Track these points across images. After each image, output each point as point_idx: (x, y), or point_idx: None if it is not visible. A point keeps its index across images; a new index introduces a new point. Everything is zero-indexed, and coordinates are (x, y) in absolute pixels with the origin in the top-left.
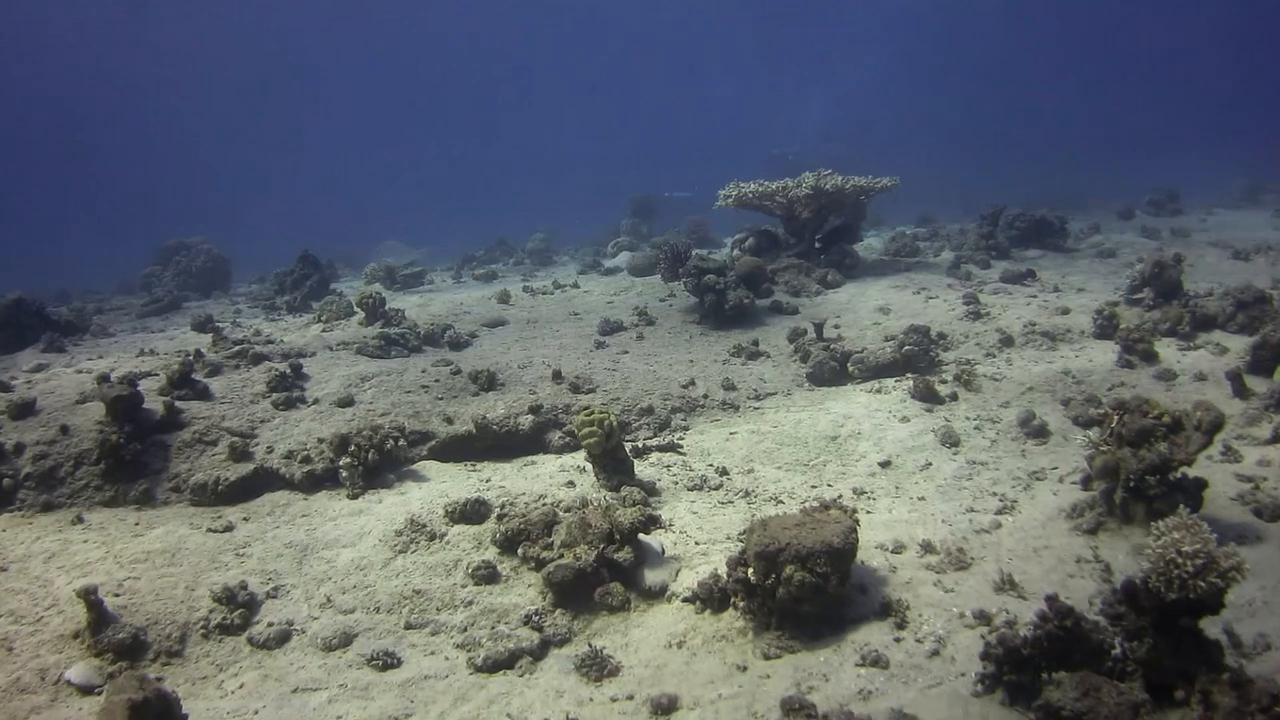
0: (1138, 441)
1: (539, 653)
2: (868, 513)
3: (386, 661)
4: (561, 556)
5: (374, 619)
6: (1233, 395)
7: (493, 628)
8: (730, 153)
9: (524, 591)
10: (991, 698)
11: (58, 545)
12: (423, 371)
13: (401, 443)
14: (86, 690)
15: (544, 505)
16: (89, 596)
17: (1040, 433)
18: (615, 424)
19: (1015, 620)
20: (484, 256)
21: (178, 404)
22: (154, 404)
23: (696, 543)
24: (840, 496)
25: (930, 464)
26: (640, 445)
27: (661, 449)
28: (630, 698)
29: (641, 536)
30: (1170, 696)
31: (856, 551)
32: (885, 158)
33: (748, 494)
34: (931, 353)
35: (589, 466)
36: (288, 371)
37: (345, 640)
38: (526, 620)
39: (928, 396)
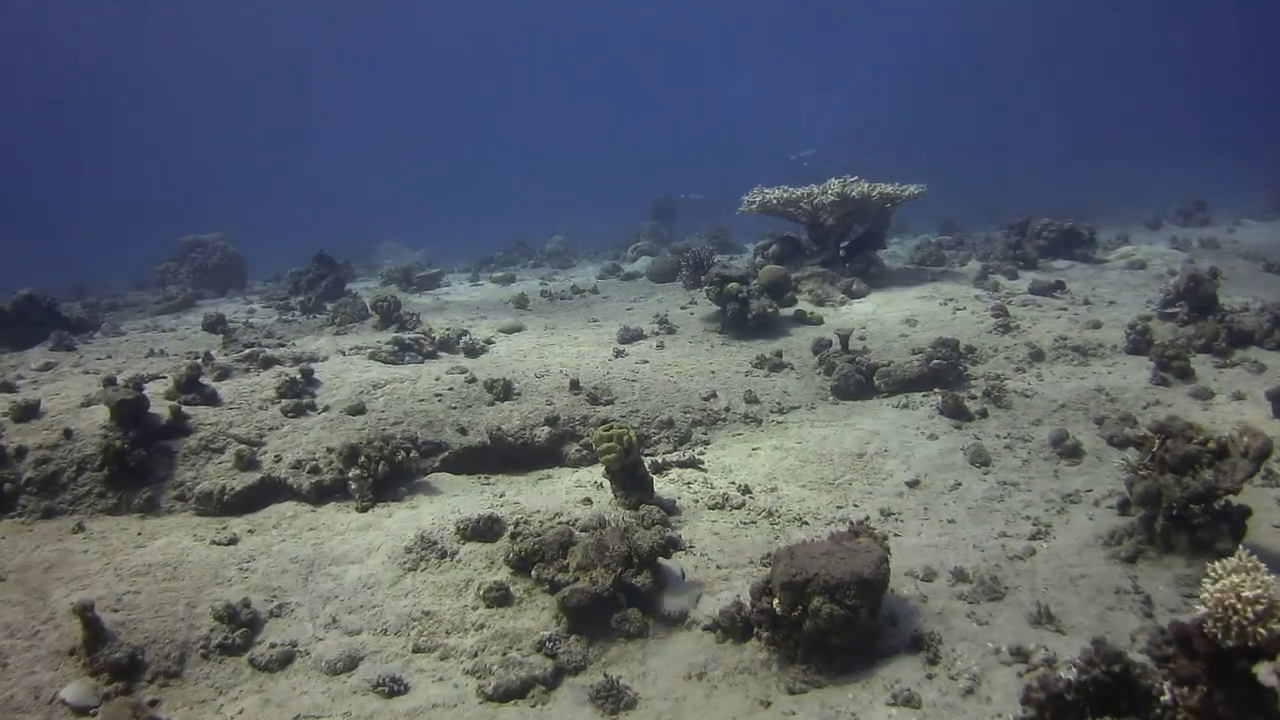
0: (1181, 468)
1: (552, 681)
2: (896, 535)
3: (393, 688)
4: (577, 580)
5: (381, 641)
6: (1273, 415)
7: (504, 654)
8: (745, 154)
9: (537, 615)
10: None
11: (57, 555)
12: (436, 379)
13: (413, 454)
14: (81, 711)
15: (559, 524)
16: (85, 614)
17: (1074, 453)
18: (634, 439)
19: (1054, 658)
20: (502, 258)
21: (185, 409)
22: (160, 408)
23: (718, 566)
24: (867, 518)
25: (960, 484)
26: (660, 460)
27: (682, 465)
28: None
29: (661, 560)
30: None
31: (888, 583)
32: (904, 162)
33: (771, 514)
34: (960, 367)
35: (606, 483)
36: (298, 377)
37: (350, 663)
38: (540, 646)
39: (957, 413)
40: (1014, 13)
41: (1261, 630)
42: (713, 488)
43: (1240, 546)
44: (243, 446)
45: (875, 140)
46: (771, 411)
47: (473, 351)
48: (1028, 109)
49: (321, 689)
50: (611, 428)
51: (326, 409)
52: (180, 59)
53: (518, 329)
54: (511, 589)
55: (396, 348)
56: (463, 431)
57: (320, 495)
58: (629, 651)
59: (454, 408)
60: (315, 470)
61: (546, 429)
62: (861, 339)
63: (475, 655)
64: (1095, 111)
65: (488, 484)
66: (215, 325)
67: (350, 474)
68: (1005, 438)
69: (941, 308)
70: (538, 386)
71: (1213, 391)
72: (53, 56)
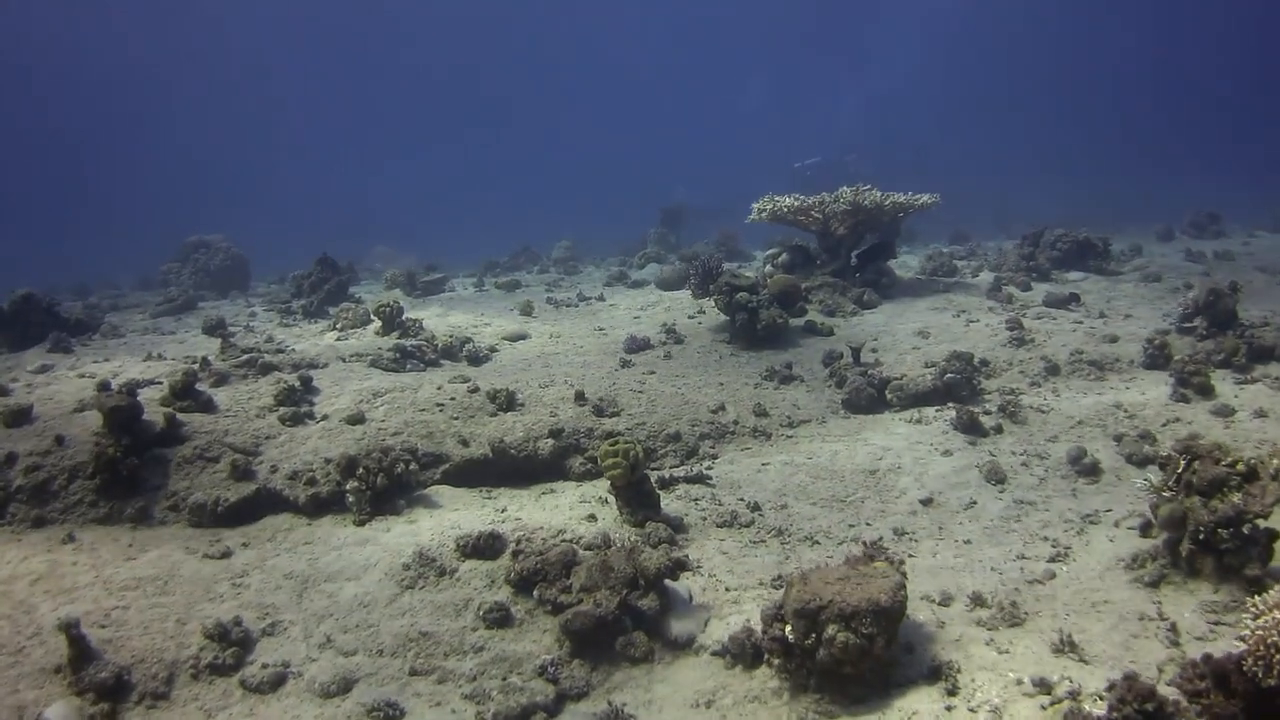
0: (1209, 491)
1: (554, 708)
2: (910, 556)
3: (389, 713)
4: (581, 601)
5: (376, 663)
6: None
7: (504, 678)
8: (754, 161)
9: (539, 638)
10: None
11: (45, 567)
12: (438, 388)
13: (413, 466)
14: None
15: (563, 542)
16: (70, 631)
17: (1092, 471)
18: (640, 455)
19: (1079, 690)
20: (507, 263)
21: (179, 416)
22: (154, 415)
23: (727, 589)
24: (881, 539)
25: (975, 502)
26: (667, 475)
27: (689, 480)
28: None
29: (668, 582)
30: None
31: (905, 611)
32: (912, 172)
33: (781, 532)
34: (974, 381)
35: (612, 499)
36: (296, 385)
37: (345, 686)
38: (541, 671)
39: (971, 428)
40: (1024, 24)
41: None
42: (721, 504)
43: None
44: (238, 456)
45: (880, 151)
46: (781, 425)
47: (476, 360)
48: (1037, 120)
49: (314, 713)
50: (617, 443)
51: (325, 418)
52: (183, 58)
53: (522, 337)
54: (512, 610)
55: (398, 355)
56: (464, 443)
57: (317, 508)
58: (634, 677)
59: (455, 418)
60: (312, 482)
61: (550, 441)
62: (873, 351)
63: (474, 679)
64: (1104, 123)
65: (489, 498)
66: (215, 329)
67: (348, 486)
68: (1021, 455)
69: (954, 320)
70: (542, 397)
71: (1234, 409)
72: (55, 56)
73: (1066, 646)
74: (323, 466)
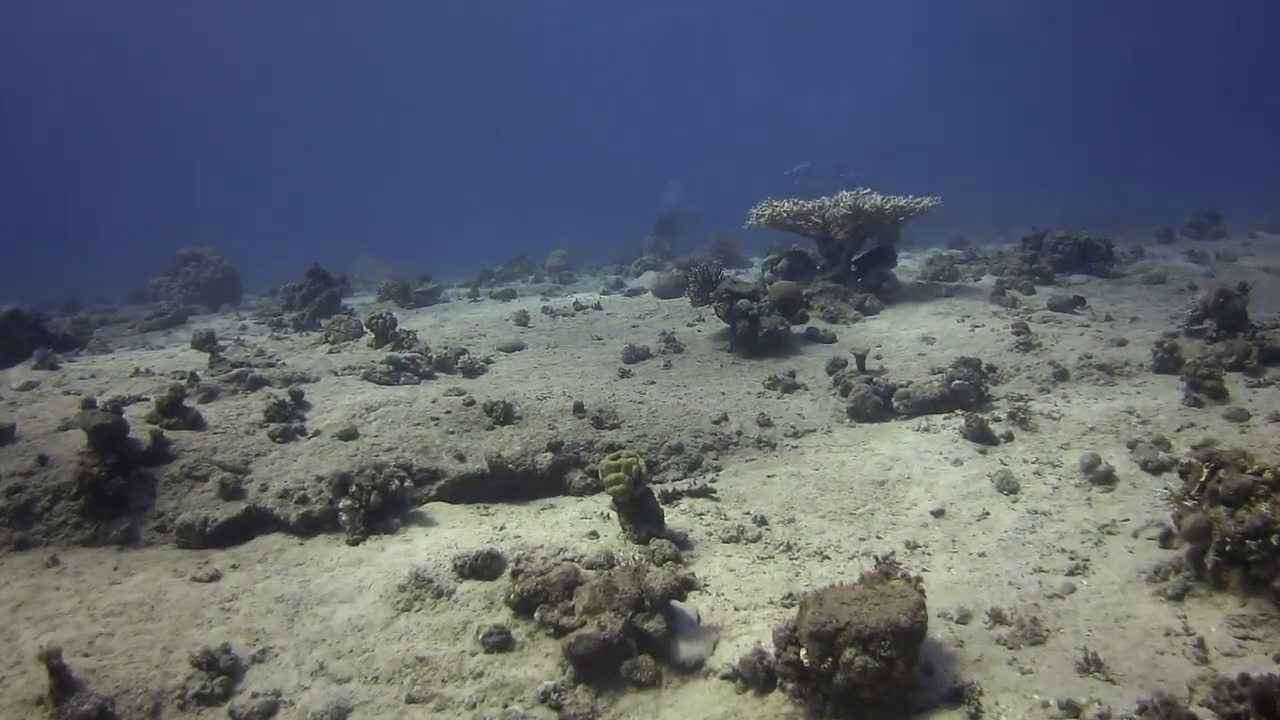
0: (1235, 500)
1: None
2: (924, 570)
3: None
4: (584, 624)
5: (371, 690)
6: None
7: (505, 706)
8: (746, 162)
9: (541, 662)
10: None
11: (27, 592)
12: (433, 401)
13: (408, 483)
14: None
15: (564, 561)
16: (51, 661)
17: (1106, 479)
18: (643, 469)
19: (1109, 713)
20: (502, 273)
21: (167, 433)
22: (141, 433)
23: (736, 608)
24: (893, 553)
25: (988, 513)
26: (670, 490)
27: (693, 494)
28: None
29: (674, 602)
30: None
31: (925, 631)
32: (904, 176)
33: (789, 547)
34: (982, 387)
35: (614, 514)
36: (287, 399)
37: (339, 716)
38: (544, 698)
39: (981, 436)
40: (1015, 25)
41: None
42: (726, 519)
43: None
44: (227, 474)
45: (876, 157)
46: (786, 435)
47: (471, 372)
48: (1030, 123)
49: None
50: (619, 457)
51: (317, 433)
52: (177, 62)
53: (518, 347)
54: (513, 633)
55: (391, 367)
56: (460, 458)
57: (309, 527)
58: (641, 703)
59: (451, 432)
60: (304, 500)
61: (549, 455)
62: (878, 358)
63: (474, 707)
64: (1097, 126)
65: (487, 514)
66: (204, 343)
67: (340, 504)
68: (1033, 463)
69: (959, 325)
70: (539, 409)
71: (1249, 413)
72: (44, 63)
73: (1092, 665)
74: (314, 484)
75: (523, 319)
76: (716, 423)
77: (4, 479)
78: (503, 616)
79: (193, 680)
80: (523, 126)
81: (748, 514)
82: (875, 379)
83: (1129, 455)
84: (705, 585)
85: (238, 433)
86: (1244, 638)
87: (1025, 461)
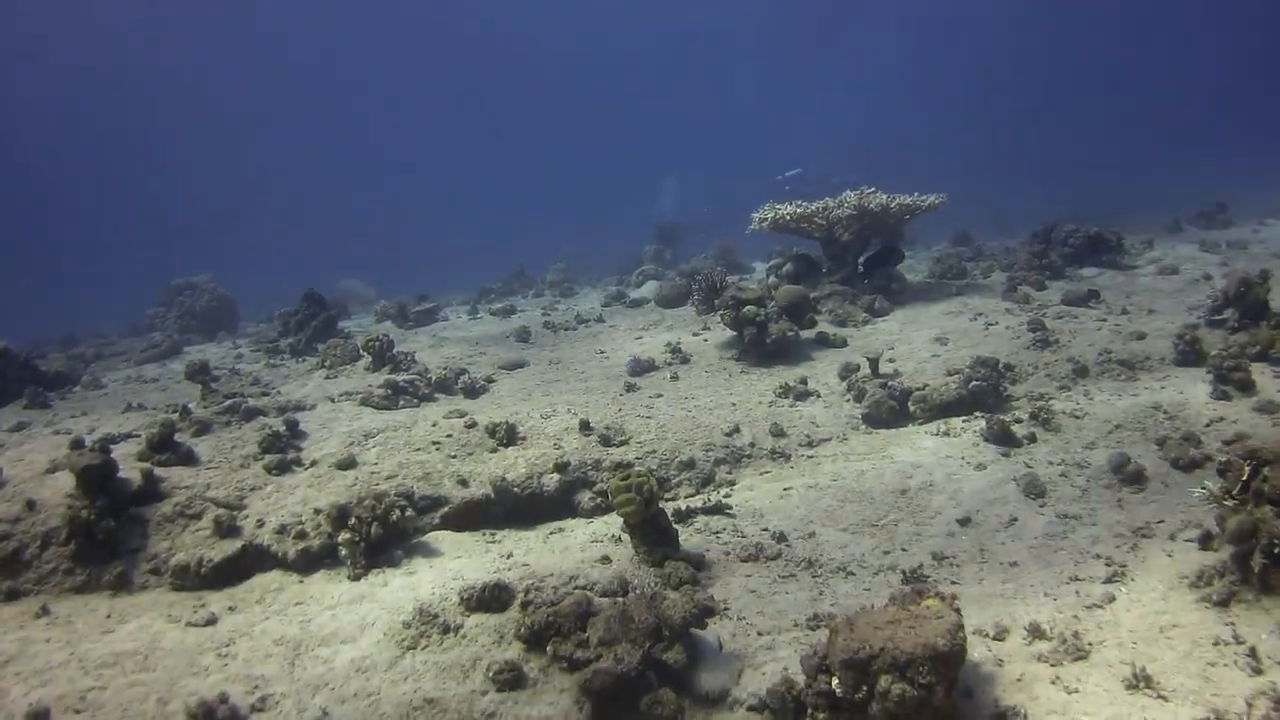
0: None
1: None
2: (954, 583)
3: None
4: (600, 657)
5: None
6: None
7: None
8: (743, 167)
9: (556, 699)
10: None
11: (16, 646)
12: (433, 425)
13: (409, 512)
14: None
15: (576, 590)
16: None
17: (1136, 479)
18: (654, 488)
19: None
20: (501, 288)
21: (158, 471)
22: (132, 471)
23: (759, 633)
24: (920, 566)
25: (1016, 519)
26: (683, 507)
27: (707, 511)
28: None
29: (694, 630)
30: None
31: (965, 654)
32: (897, 175)
33: (811, 564)
34: (1000, 387)
35: (625, 536)
36: (282, 430)
37: None
38: None
39: (1003, 439)
40: (1009, 22)
41: None
42: (744, 536)
43: None
44: (221, 511)
45: (866, 158)
46: (800, 445)
47: (472, 392)
48: (1025, 117)
49: None
50: (629, 476)
51: (313, 464)
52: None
53: (520, 365)
54: (525, 669)
55: (389, 391)
56: (463, 483)
57: (308, 563)
58: None
59: (453, 456)
60: (301, 535)
61: (556, 476)
62: (890, 361)
63: None
64: (1098, 115)
65: (493, 541)
66: (197, 374)
67: (340, 538)
68: (1059, 464)
69: (972, 323)
70: (544, 429)
71: (1278, 404)
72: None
73: (1141, 681)
74: (312, 518)
75: (524, 335)
76: (728, 435)
77: None
78: (514, 651)
79: None
80: (515, 138)
81: (765, 530)
82: (889, 383)
83: (1158, 453)
84: (725, 609)
85: (232, 466)
86: None
87: (1051, 463)
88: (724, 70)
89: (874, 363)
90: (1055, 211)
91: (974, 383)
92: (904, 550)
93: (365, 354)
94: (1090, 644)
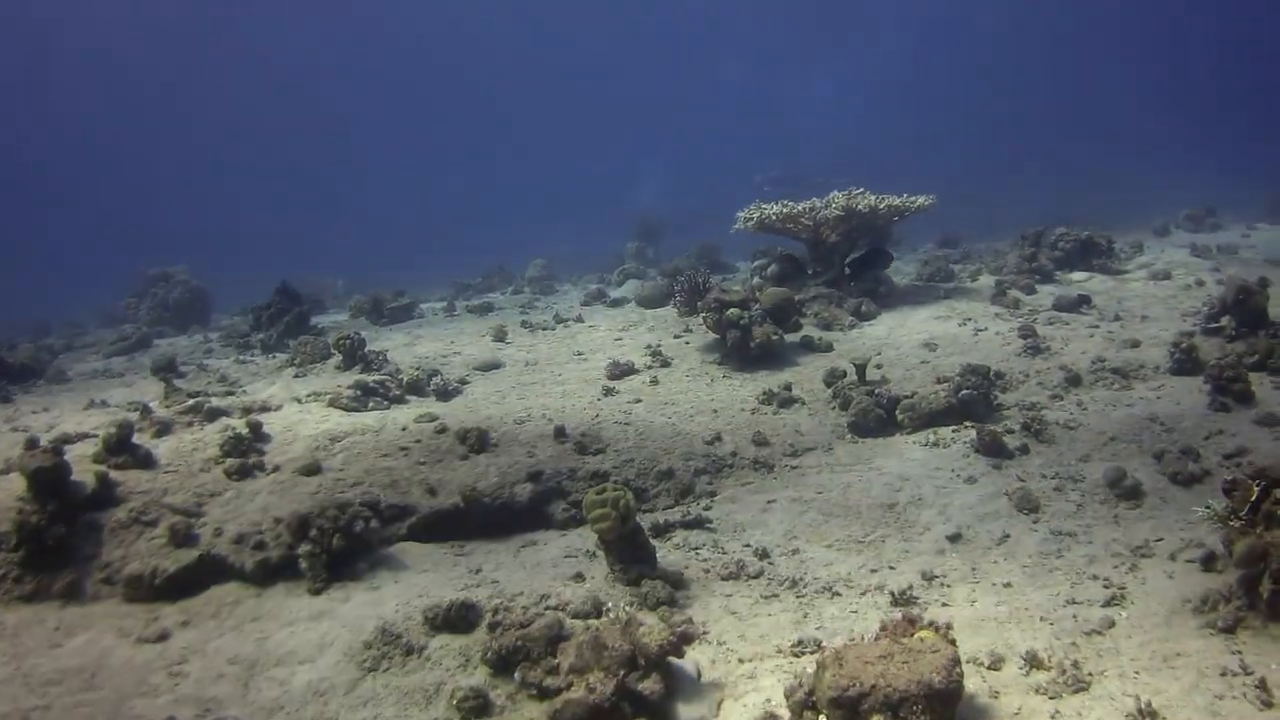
0: None
1: None
2: (944, 605)
3: None
4: (571, 686)
5: None
6: None
7: None
8: (729, 170)
9: None
10: None
11: None
12: (403, 430)
13: (374, 523)
14: None
15: (547, 611)
16: None
17: (1133, 494)
18: (631, 503)
19: None
20: (480, 285)
21: (114, 474)
22: (86, 474)
23: (740, 660)
24: (910, 587)
25: (1008, 536)
26: (661, 521)
27: (687, 525)
28: None
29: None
30: None
31: (962, 691)
32: (888, 174)
33: (795, 583)
34: (991, 396)
35: (601, 552)
36: (245, 432)
37: None
38: None
39: (994, 450)
40: (993, 28)
41: None
42: (724, 553)
43: None
44: (178, 519)
45: (845, 161)
46: (784, 455)
47: (445, 394)
48: (1014, 115)
49: None
50: (605, 490)
51: (276, 469)
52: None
53: (495, 366)
54: (491, 695)
55: (359, 392)
56: (432, 492)
57: (266, 575)
58: None
59: (422, 463)
60: (260, 546)
61: (529, 486)
62: (878, 367)
63: None
64: (1083, 117)
65: (462, 554)
66: (163, 370)
67: (300, 550)
68: (1053, 478)
69: (960, 328)
70: (517, 435)
71: (1279, 417)
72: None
73: (1146, 715)
74: (272, 527)
75: (500, 334)
76: (709, 443)
77: None
78: (479, 676)
79: None
80: (496, 132)
81: (747, 546)
82: (877, 390)
83: (1155, 467)
84: (704, 632)
85: (191, 471)
86: None
87: (1044, 476)
88: (713, 63)
89: (861, 369)
90: (1041, 212)
91: (964, 391)
92: (892, 569)
93: (336, 352)
94: (1091, 674)
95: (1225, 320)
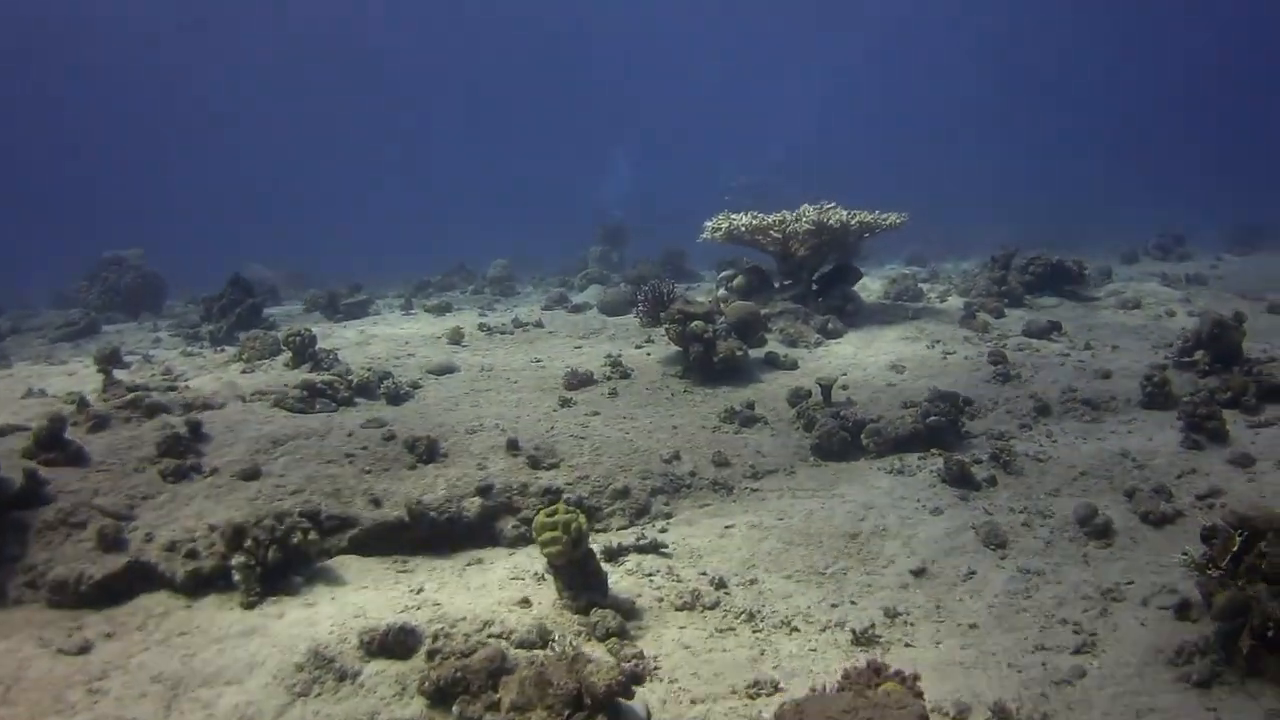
0: None
1: None
2: (907, 645)
3: None
4: None
5: None
6: None
7: None
8: (695, 174)
9: None
10: None
11: None
12: (349, 435)
13: (313, 534)
14: None
15: (490, 639)
16: None
17: (1103, 533)
18: (583, 527)
19: None
20: (440, 282)
21: (43, 472)
22: (14, 471)
23: (693, 700)
24: (873, 626)
25: (975, 572)
26: (615, 544)
27: (641, 549)
28: None
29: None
30: None
31: None
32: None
33: (752, 616)
34: (959, 423)
35: (550, 576)
36: (184, 432)
37: None
38: None
39: (962, 481)
40: (961, 44)
41: None
42: (680, 580)
43: None
44: (107, 521)
45: (801, 169)
46: (745, 477)
47: (395, 398)
48: (973, 140)
49: None
50: (556, 512)
51: (214, 471)
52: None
53: (450, 370)
54: None
55: (306, 393)
56: (376, 503)
57: (197, 586)
58: None
59: (367, 471)
60: (193, 554)
61: (477, 501)
62: (844, 388)
63: None
64: (1046, 144)
65: (404, 571)
66: (107, 359)
67: (234, 561)
68: (1021, 512)
69: (929, 351)
70: (468, 446)
71: (1253, 457)
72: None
73: None
74: (206, 535)
75: (456, 336)
76: (667, 462)
77: None
78: (415, 708)
79: None
80: (466, 127)
81: (704, 574)
82: (842, 412)
83: (1127, 505)
84: (656, 668)
85: (125, 470)
86: None
87: (1012, 510)
88: (681, 63)
89: (827, 390)
90: (1007, 233)
91: (932, 417)
92: (853, 604)
93: (286, 348)
94: None
95: (1199, 354)
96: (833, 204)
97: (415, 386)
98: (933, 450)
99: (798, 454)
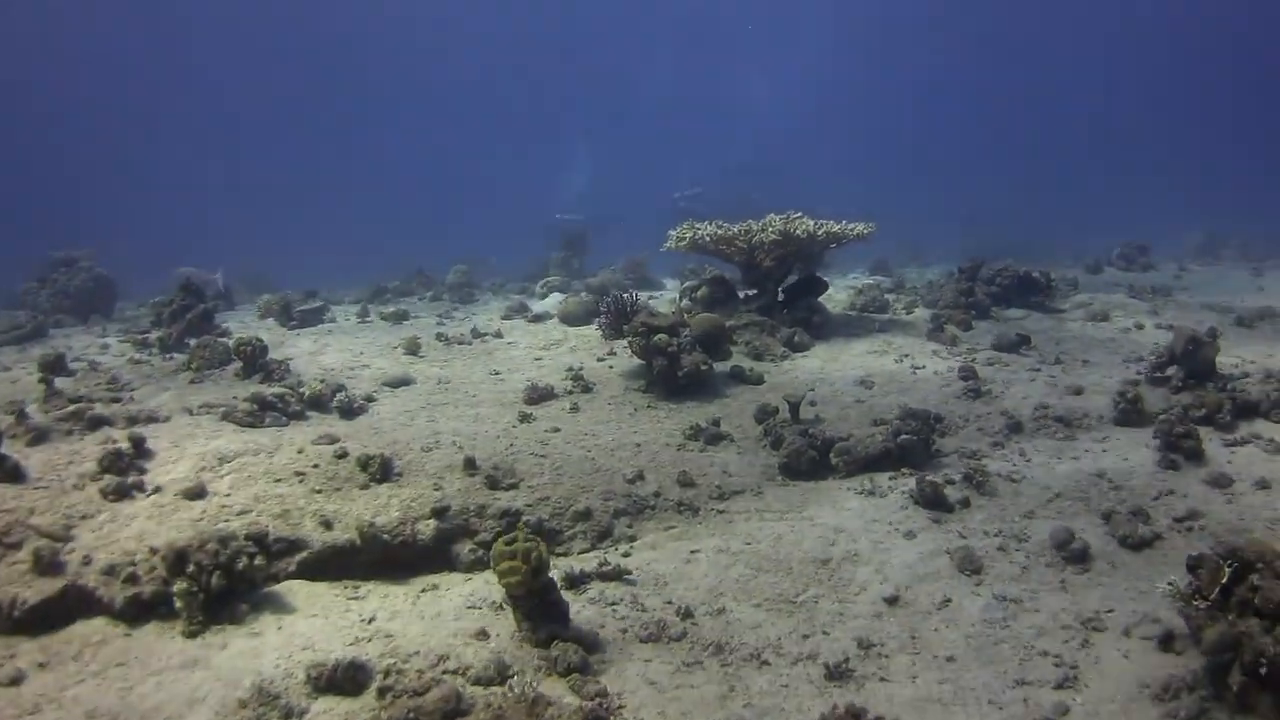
0: (1275, 614)
1: None
2: (883, 679)
3: None
4: None
5: None
6: None
7: None
8: (651, 179)
9: None
10: None
11: None
12: (299, 452)
13: (259, 560)
14: None
15: (445, 677)
16: None
17: (1081, 558)
18: (544, 556)
19: None
20: (398, 288)
21: None
22: None
23: None
24: (847, 660)
25: (950, 600)
26: (576, 570)
27: (604, 576)
28: None
29: None
30: None
31: None
32: (806, 195)
33: (720, 649)
34: (931, 441)
35: (508, 606)
36: (126, 447)
37: None
38: None
39: (934, 502)
40: (915, 58)
41: None
42: (644, 609)
43: None
44: (43, 542)
45: (761, 175)
46: (711, 497)
47: (349, 412)
48: (943, 145)
49: None
50: (515, 539)
51: (158, 490)
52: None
53: (406, 382)
54: None
55: (255, 406)
56: (327, 525)
57: (138, 613)
58: None
59: (318, 491)
60: (133, 579)
61: (433, 523)
62: (811, 404)
63: None
64: (1014, 151)
65: (355, 598)
66: (51, 367)
67: (175, 587)
68: (996, 535)
69: (898, 365)
70: (424, 464)
71: (1231, 477)
72: None
73: None
74: (147, 558)
75: (413, 347)
76: (631, 482)
77: None
78: None
79: None
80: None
81: (669, 603)
82: (811, 430)
83: (1104, 528)
84: (620, 706)
85: (63, 488)
86: None
87: (987, 534)
88: (636, 62)
89: (795, 406)
90: (971, 242)
91: (903, 435)
92: (826, 634)
93: (236, 358)
94: None
95: (1173, 370)
96: (799, 214)
97: (370, 400)
98: (904, 470)
99: (765, 473)
